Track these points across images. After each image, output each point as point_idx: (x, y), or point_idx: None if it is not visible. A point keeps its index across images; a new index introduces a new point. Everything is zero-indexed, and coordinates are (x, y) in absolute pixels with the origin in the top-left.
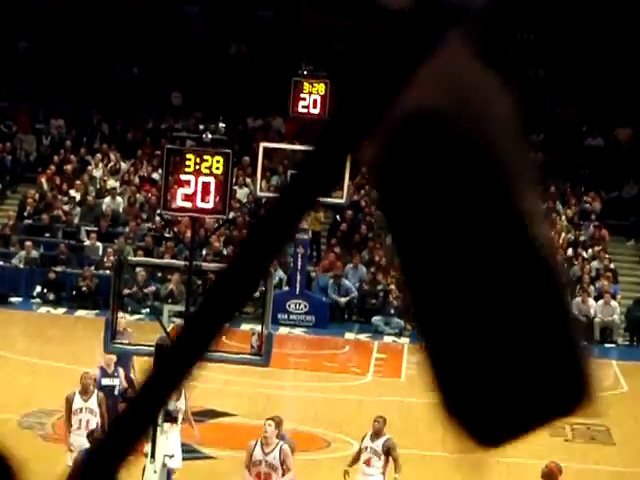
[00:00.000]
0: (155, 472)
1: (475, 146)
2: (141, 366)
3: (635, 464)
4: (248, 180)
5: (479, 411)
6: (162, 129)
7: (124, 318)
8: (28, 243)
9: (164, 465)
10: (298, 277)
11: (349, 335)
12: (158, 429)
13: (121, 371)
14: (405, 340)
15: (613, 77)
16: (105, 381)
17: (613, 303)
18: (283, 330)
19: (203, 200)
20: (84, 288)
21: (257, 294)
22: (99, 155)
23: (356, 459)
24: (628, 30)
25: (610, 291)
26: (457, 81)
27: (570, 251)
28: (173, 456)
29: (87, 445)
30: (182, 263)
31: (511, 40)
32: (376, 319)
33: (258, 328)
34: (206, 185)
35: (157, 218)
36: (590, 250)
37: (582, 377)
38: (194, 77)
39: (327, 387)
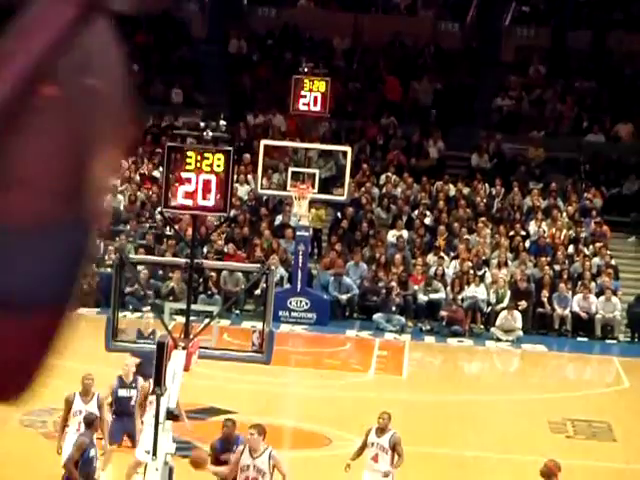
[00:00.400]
0: (157, 470)
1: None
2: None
3: (637, 461)
4: (249, 177)
5: None
6: (163, 127)
7: (149, 318)
8: None
9: (166, 463)
10: (299, 274)
11: (350, 332)
12: (160, 427)
13: (140, 380)
14: (406, 337)
15: (613, 73)
16: (122, 392)
17: (614, 299)
18: (284, 327)
19: (204, 198)
20: (85, 286)
21: (258, 291)
22: None
23: (359, 454)
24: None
25: (611, 287)
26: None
27: (571, 248)
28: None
29: None
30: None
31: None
32: (377, 316)
33: (259, 325)
34: (207, 183)
35: (158, 216)
36: (591, 247)
37: None
38: (195, 74)
39: (328, 384)
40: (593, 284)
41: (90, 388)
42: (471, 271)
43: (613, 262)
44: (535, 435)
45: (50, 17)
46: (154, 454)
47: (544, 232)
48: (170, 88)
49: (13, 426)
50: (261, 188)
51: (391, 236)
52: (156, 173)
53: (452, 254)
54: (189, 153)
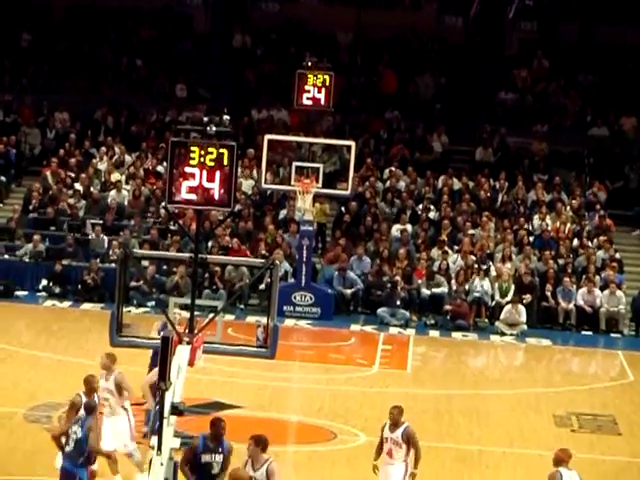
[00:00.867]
0: (162, 464)
1: None
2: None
3: None
4: (253, 172)
5: None
6: (166, 122)
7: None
8: (36, 237)
9: (170, 458)
10: (303, 269)
11: (355, 327)
12: (165, 422)
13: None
14: (411, 331)
15: (617, 66)
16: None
17: (619, 293)
18: (289, 322)
19: (208, 193)
20: (90, 281)
21: (263, 286)
22: (104, 148)
23: (379, 451)
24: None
25: (616, 281)
26: None
27: (575, 241)
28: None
29: None
30: (187, 255)
31: None
32: (382, 311)
33: (264, 320)
34: (211, 177)
35: (162, 211)
36: (595, 240)
37: None
38: (198, 69)
39: (333, 379)
40: (597, 278)
41: (94, 389)
42: (475, 265)
43: (617, 256)
44: (540, 429)
45: None
46: (159, 449)
47: (548, 226)
48: (174, 83)
49: (18, 421)
50: (265, 183)
51: (395, 230)
52: (160, 168)
53: (456, 248)
54: (193, 148)
